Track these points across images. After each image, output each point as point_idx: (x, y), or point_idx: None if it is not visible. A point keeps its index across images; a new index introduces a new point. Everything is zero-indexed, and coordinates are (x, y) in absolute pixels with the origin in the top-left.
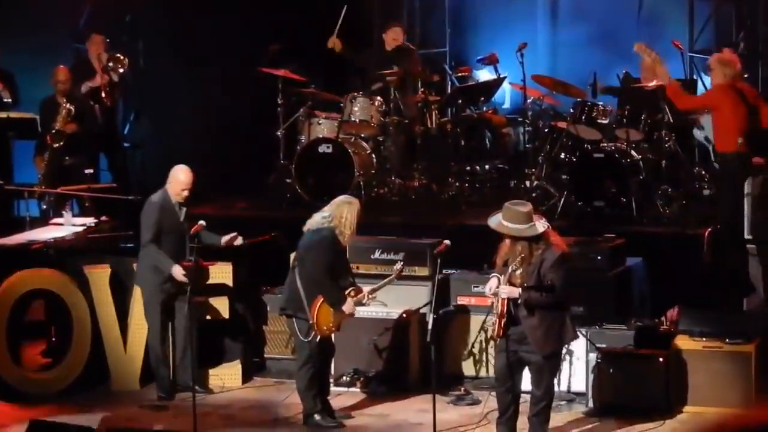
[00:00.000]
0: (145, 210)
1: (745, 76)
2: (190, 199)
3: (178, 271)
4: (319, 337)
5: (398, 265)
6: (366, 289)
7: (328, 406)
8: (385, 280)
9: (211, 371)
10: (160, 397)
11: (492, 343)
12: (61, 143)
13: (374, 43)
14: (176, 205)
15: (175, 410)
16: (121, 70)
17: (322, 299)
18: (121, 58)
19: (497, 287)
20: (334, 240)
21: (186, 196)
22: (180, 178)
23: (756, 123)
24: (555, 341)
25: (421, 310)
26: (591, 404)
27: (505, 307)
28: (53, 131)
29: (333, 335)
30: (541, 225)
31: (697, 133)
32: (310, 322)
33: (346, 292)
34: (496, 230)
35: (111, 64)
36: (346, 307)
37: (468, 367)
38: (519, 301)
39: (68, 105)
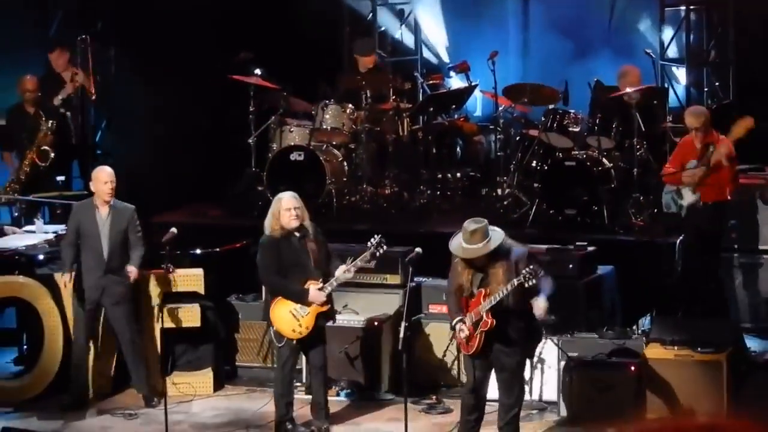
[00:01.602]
0: None
1: (716, 84)
2: (114, 194)
3: (59, 277)
4: (284, 341)
5: (374, 240)
6: (342, 267)
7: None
8: (363, 255)
9: (182, 379)
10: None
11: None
12: (47, 163)
13: (346, 67)
14: (96, 208)
15: (146, 418)
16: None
17: (274, 303)
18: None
19: (466, 325)
20: (269, 240)
21: (111, 188)
22: (99, 177)
23: None
24: (535, 340)
25: (393, 319)
26: (562, 413)
27: (491, 320)
28: (41, 149)
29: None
30: (497, 232)
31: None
32: (272, 328)
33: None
34: (467, 258)
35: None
36: (312, 297)
37: (440, 376)
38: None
39: (49, 122)
